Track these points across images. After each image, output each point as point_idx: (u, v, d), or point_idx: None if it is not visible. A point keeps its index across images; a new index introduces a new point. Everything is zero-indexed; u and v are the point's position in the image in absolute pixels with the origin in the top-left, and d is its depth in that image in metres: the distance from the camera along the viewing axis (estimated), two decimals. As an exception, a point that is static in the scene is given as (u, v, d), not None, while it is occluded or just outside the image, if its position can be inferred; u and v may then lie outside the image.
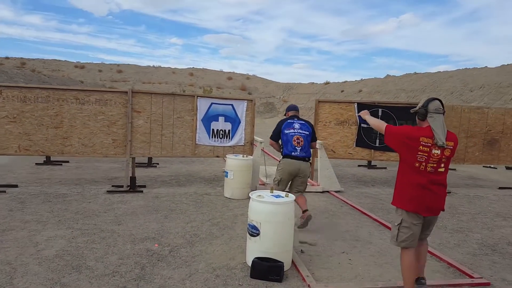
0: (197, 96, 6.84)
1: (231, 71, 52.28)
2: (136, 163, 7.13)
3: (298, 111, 5.02)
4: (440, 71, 23.32)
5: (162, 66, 50.52)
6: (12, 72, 21.91)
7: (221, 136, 7.01)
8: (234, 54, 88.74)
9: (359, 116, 3.72)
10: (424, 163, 2.57)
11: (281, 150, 4.77)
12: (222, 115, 6.97)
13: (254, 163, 6.45)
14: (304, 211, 4.57)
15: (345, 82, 37.64)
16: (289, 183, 4.72)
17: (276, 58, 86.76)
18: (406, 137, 2.62)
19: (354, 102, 7.33)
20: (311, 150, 4.89)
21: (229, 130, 7.02)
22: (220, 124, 6.97)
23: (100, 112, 6.40)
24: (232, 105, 7.02)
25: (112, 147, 6.49)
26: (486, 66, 19.43)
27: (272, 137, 4.86)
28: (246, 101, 7.11)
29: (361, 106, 7.27)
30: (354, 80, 36.98)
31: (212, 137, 6.95)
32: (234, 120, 7.03)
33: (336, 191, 6.83)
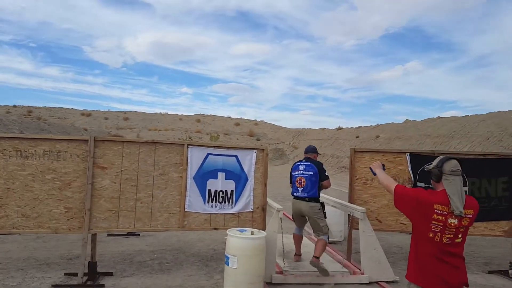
0: (188, 144, 4.94)
1: (239, 117, 51.33)
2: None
3: (314, 152, 5.18)
4: (468, 115, 21.45)
5: (169, 113, 49.86)
6: (7, 120, 20.65)
7: (220, 200, 5.00)
8: (242, 101, 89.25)
9: (371, 168, 3.02)
10: (439, 234, 2.31)
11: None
12: (222, 171, 5.01)
13: (268, 242, 4.34)
14: (313, 257, 4.57)
15: (360, 127, 35.94)
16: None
17: (283, 105, 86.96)
18: (417, 202, 2.36)
19: (406, 152, 5.33)
20: (320, 189, 4.95)
21: (232, 191, 5.03)
22: (220, 183, 4.99)
23: (49, 169, 4.51)
24: (236, 156, 5.10)
25: (64, 219, 4.51)
26: (523, 108, 17.58)
27: (290, 180, 5.21)
28: (255, 150, 5.18)
29: (416, 158, 5.28)
30: (369, 125, 35.28)
31: (208, 201, 4.95)
32: (239, 177, 5.06)
33: (389, 282, 4.65)
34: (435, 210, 2.31)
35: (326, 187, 4.99)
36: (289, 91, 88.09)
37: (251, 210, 5.08)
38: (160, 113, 49.92)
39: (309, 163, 4.98)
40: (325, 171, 5.00)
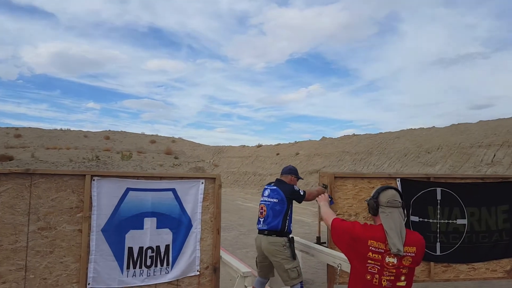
0: (93, 175, 3.02)
1: (154, 134, 47.91)
2: None
3: (289, 174, 4.01)
4: (382, 132, 22.38)
5: (72, 129, 44.13)
6: None
7: (149, 263, 3.15)
8: (157, 118, 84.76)
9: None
10: (377, 275, 2.08)
11: None
12: (152, 215, 3.18)
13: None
14: None
15: (279, 144, 35.92)
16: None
17: (198, 122, 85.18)
18: (351, 237, 2.17)
19: (396, 177, 4.14)
20: (289, 221, 3.76)
21: (167, 247, 3.22)
22: (148, 236, 3.15)
23: None
24: (173, 190, 3.32)
25: None
26: (434, 126, 18.73)
27: None
28: (202, 180, 3.47)
29: (408, 184, 4.13)
30: (287, 142, 35.46)
31: (128, 267, 3.06)
32: (178, 223, 3.28)
33: None
34: (370, 248, 2.11)
35: (309, 200, 3.92)
36: (204, 108, 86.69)
37: (198, 273, 3.33)
38: (61, 129, 43.90)
39: (275, 187, 3.89)
40: (297, 191, 3.80)
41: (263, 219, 3.83)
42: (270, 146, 36.96)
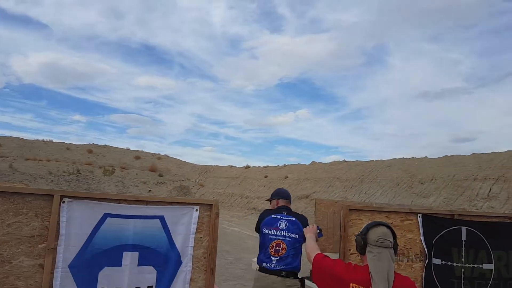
0: (63, 196, 2.43)
1: (140, 150, 46.84)
2: None
3: (290, 200, 3.65)
4: (373, 160, 22.14)
5: (54, 141, 42.78)
6: None
7: (126, 309, 2.53)
8: (143, 134, 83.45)
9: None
10: None
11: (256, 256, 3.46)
12: (133, 248, 2.60)
13: None
14: None
15: (267, 167, 35.44)
16: None
17: (185, 140, 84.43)
18: (331, 277, 2.00)
19: (417, 213, 3.65)
20: (300, 259, 3.36)
21: (149, 289, 2.62)
22: (127, 275, 2.54)
23: None
24: (161, 218, 2.75)
25: None
26: (426, 157, 18.57)
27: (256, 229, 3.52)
28: (196, 207, 2.91)
29: (429, 220, 3.64)
30: (276, 165, 35.00)
31: (99, 313, 2.44)
32: (164, 259, 2.70)
33: None
34: None
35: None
36: (192, 127, 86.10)
37: (185, 322, 2.71)
38: (43, 140, 42.52)
39: (293, 218, 3.43)
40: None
41: (278, 257, 3.31)
42: (258, 168, 36.40)
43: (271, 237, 3.41)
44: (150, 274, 2.62)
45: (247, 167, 37.78)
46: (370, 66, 73.89)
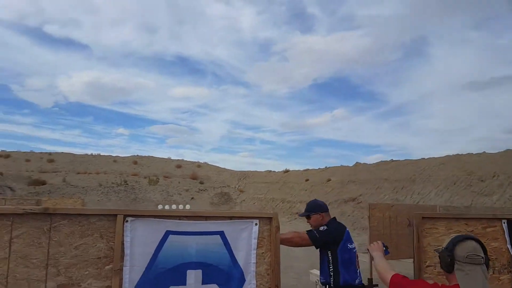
0: (126, 215, 2.42)
1: (180, 159, 48.03)
2: None
3: None
4: (424, 158, 21.03)
5: (102, 154, 44.94)
6: None
7: (192, 329, 2.46)
8: (181, 143, 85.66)
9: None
10: None
11: (332, 276, 3.10)
12: (195, 266, 2.52)
13: None
14: None
15: (307, 170, 34.91)
16: None
17: (222, 147, 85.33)
18: None
19: (502, 219, 3.31)
20: None
21: (214, 307, 2.53)
22: (191, 295, 2.48)
23: None
24: (221, 233, 2.66)
25: None
26: (485, 152, 17.32)
27: (313, 240, 3.15)
28: (256, 221, 2.80)
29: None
30: (317, 168, 34.39)
31: (166, 335, 2.38)
32: (227, 277, 2.60)
33: None
34: None
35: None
36: (227, 133, 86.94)
37: None
38: (92, 155, 44.82)
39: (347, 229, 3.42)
40: None
41: (359, 269, 3.28)
42: (298, 172, 35.97)
43: (355, 251, 3.33)
44: (214, 292, 2.53)
45: (287, 171, 37.47)
46: (408, 60, 70.92)
